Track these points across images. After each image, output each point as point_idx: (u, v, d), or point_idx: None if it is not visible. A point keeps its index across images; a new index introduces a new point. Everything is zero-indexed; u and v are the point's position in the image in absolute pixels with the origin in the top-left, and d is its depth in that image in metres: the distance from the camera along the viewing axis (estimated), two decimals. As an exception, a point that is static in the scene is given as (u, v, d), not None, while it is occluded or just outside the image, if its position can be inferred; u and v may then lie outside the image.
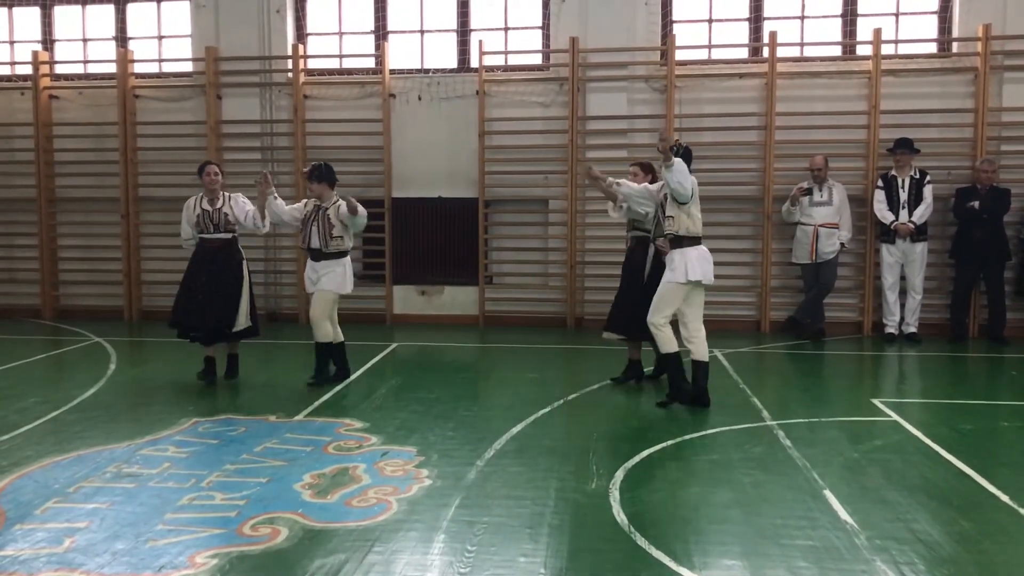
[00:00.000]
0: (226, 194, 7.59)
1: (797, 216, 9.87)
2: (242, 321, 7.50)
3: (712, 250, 10.23)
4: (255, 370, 8.19)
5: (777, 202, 10.23)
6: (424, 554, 4.00)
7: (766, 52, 10.30)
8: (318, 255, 7.43)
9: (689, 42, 10.63)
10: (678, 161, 6.36)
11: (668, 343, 6.67)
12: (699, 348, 6.70)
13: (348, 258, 7.56)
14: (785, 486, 4.94)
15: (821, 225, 9.70)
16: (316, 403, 6.84)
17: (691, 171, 6.57)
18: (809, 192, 9.72)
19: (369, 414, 6.51)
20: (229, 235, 7.52)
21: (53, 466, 5.25)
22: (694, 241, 6.62)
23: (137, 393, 7.03)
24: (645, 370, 7.56)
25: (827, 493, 4.79)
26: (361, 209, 7.39)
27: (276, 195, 7.61)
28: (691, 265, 6.53)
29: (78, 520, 4.38)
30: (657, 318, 6.64)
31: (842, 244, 9.81)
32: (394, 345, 9.57)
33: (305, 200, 7.69)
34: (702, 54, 10.73)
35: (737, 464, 5.33)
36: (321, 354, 7.55)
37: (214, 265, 7.42)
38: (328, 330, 7.50)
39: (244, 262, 7.61)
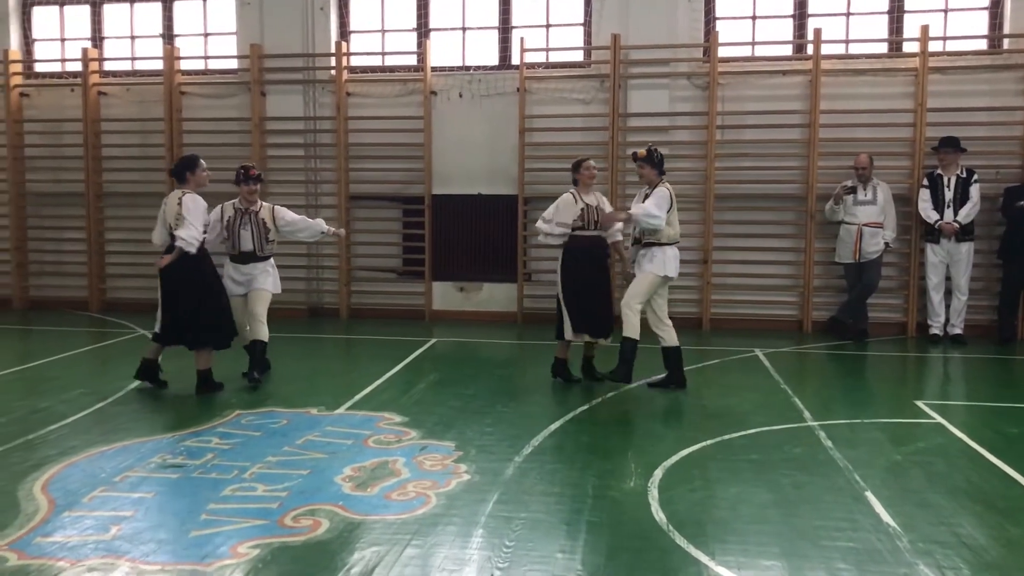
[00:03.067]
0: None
1: (840, 215, 9.75)
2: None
3: (753, 249, 10.42)
4: (296, 364, 8.27)
5: (820, 201, 10.12)
6: (462, 548, 4.03)
7: (810, 49, 10.18)
8: (248, 258, 7.38)
9: (732, 39, 10.56)
10: (635, 214, 7.05)
11: (635, 328, 7.08)
12: (670, 335, 7.25)
13: (272, 258, 7.58)
14: (826, 487, 4.89)
15: (865, 224, 9.56)
16: (356, 397, 6.90)
17: (664, 172, 7.24)
18: (853, 191, 9.60)
19: (408, 408, 6.55)
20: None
21: (99, 456, 5.36)
22: (671, 244, 7.19)
23: (181, 385, 7.14)
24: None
25: (869, 495, 4.74)
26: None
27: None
28: (668, 263, 7.13)
29: (124, 509, 4.47)
30: (633, 303, 7.11)
31: (886, 244, 9.67)
32: (433, 341, 9.61)
33: (222, 204, 7.51)
34: (745, 51, 10.64)
35: (777, 464, 5.29)
36: (263, 351, 7.39)
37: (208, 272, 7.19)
38: (267, 331, 7.41)
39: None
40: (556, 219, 7.32)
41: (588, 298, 7.27)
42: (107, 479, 4.91)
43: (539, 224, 7.51)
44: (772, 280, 10.53)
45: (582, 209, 7.23)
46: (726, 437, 5.84)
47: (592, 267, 7.32)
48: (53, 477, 4.93)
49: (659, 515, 4.43)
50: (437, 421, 6.22)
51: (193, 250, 6.76)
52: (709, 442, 5.72)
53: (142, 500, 4.60)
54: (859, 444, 5.73)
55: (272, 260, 7.55)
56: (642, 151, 7.24)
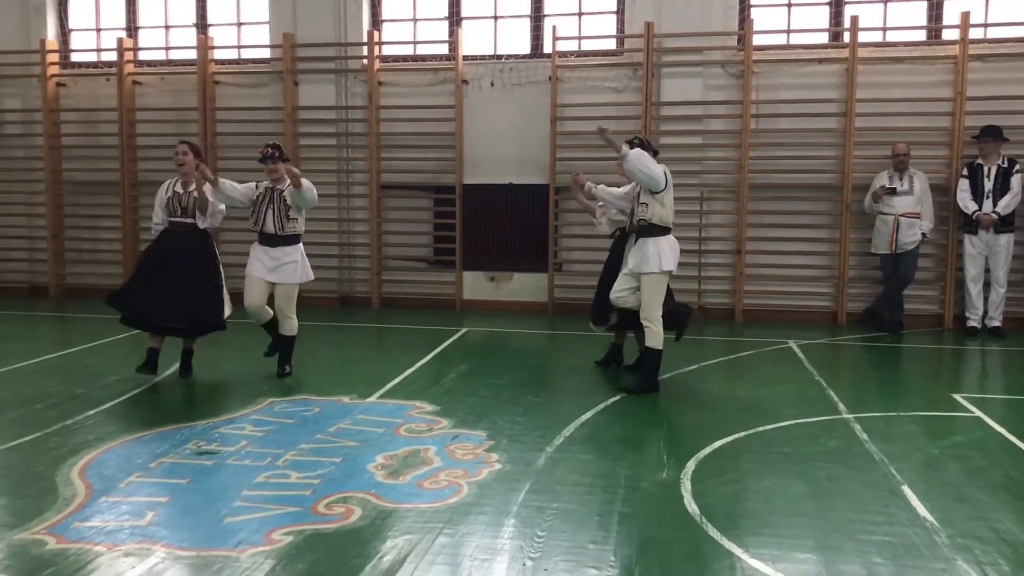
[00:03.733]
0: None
1: (879, 209, 9.61)
2: (215, 316, 7.09)
3: (788, 239, 10.30)
4: (328, 352, 8.31)
5: (856, 191, 9.99)
6: (494, 538, 4.02)
7: (847, 37, 10.03)
8: (273, 240, 7.11)
9: (767, 27, 10.43)
10: (634, 151, 6.42)
11: (659, 340, 6.67)
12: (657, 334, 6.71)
13: (301, 244, 7.28)
14: (861, 481, 4.83)
15: (902, 215, 9.42)
16: (388, 385, 6.92)
17: (657, 160, 6.68)
18: (894, 192, 9.41)
19: (439, 398, 6.56)
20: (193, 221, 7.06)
21: (135, 442, 5.42)
22: (664, 231, 6.67)
23: (215, 372, 7.20)
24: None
25: (905, 489, 4.68)
26: (306, 182, 7.02)
27: (219, 180, 7.09)
28: (664, 256, 6.61)
29: (159, 495, 4.51)
30: (654, 314, 6.64)
31: (923, 234, 9.51)
32: (463, 330, 9.62)
33: (256, 183, 7.30)
34: (780, 39, 10.51)
35: (812, 457, 5.24)
36: (289, 345, 7.32)
37: (181, 251, 6.98)
38: (296, 324, 7.32)
39: (217, 251, 7.23)
40: None
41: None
42: (143, 465, 4.96)
43: None
44: (806, 271, 10.43)
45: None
46: (759, 429, 5.79)
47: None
48: (90, 462, 4.99)
49: (692, 507, 4.40)
50: (468, 410, 6.22)
51: (152, 232, 7.18)
52: (742, 434, 5.67)
53: (177, 486, 4.64)
54: (895, 437, 5.65)
55: (300, 246, 7.26)
56: (633, 138, 6.79)
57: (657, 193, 6.61)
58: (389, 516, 4.25)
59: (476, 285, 11.26)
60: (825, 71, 10.21)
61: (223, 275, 7.18)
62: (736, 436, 5.62)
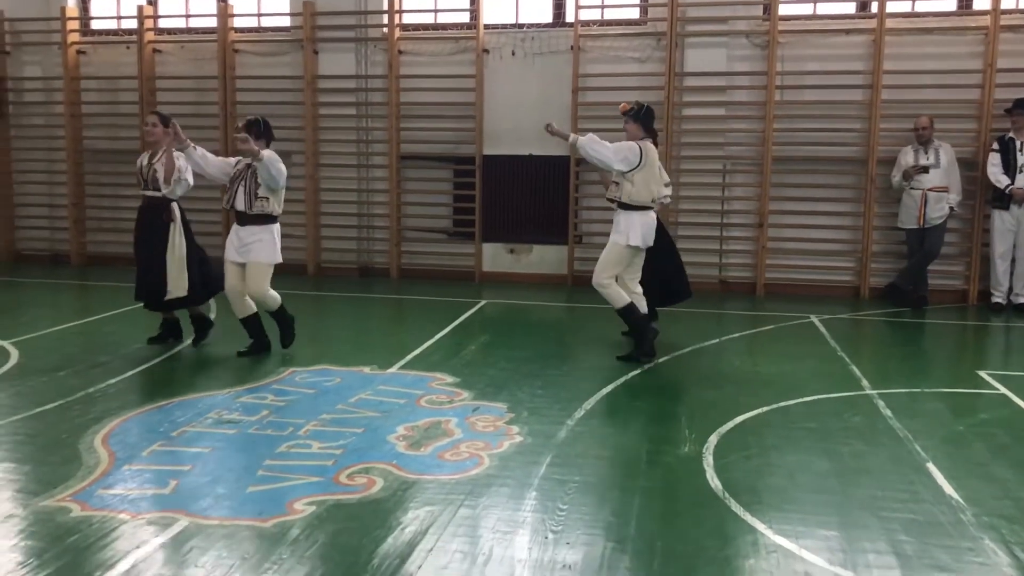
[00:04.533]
0: (167, 150, 6.84)
1: (907, 185, 9.46)
2: (173, 289, 6.87)
3: (811, 213, 10.19)
4: (348, 323, 8.31)
5: (881, 164, 9.85)
6: (515, 510, 4.01)
7: (875, 7, 9.86)
8: (243, 218, 6.76)
9: (793, -4, 10.27)
10: (584, 138, 6.54)
11: (618, 299, 6.75)
12: (639, 303, 6.88)
13: (277, 225, 6.88)
14: (885, 457, 4.79)
15: (930, 189, 9.27)
16: (408, 357, 6.91)
17: (653, 131, 6.80)
18: (926, 170, 9.23)
19: (459, 369, 6.55)
20: (159, 194, 6.85)
21: (157, 410, 5.44)
22: (638, 208, 6.67)
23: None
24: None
25: (930, 466, 4.63)
26: (269, 155, 6.56)
27: (193, 145, 6.80)
28: (633, 230, 6.64)
29: (182, 463, 4.53)
30: (601, 278, 6.75)
31: (951, 208, 9.37)
32: (482, 302, 9.59)
33: (238, 158, 6.96)
34: (807, 9, 10.33)
35: (835, 433, 5.19)
36: (281, 320, 7.03)
37: (143, 226, 6.95)
38: (276, 296, 6.94)
39: (174, 224, 6.88)
40: None
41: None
42: (165, 433, 4.98)
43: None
44: (829, 245, 10.32)
45: None
46: (782, 404, 5.75)
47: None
48: (113, 430, 5.02)
49: (714, 482, 4.38)
50: (488, 383, 6.20)
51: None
52: (765, 409, 5.63)
53: (199, 455, 4.66)
54: (919, 414, 5.60)
55: (273, 227, 6.83)
56: (625, 104, 6.78)
57: (628, 172, 6.60)
58: (411, 487, 4.25)
59: (495, 257, 11.22)
60: (852, 42, 10.04)
61: (176, 249, 6.88)
62: (758, 411, 5.58)
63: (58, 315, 8.19)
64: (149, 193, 6.89)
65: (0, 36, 12.07)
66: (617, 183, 6.79)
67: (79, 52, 11.93)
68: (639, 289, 6.99)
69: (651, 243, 6.81)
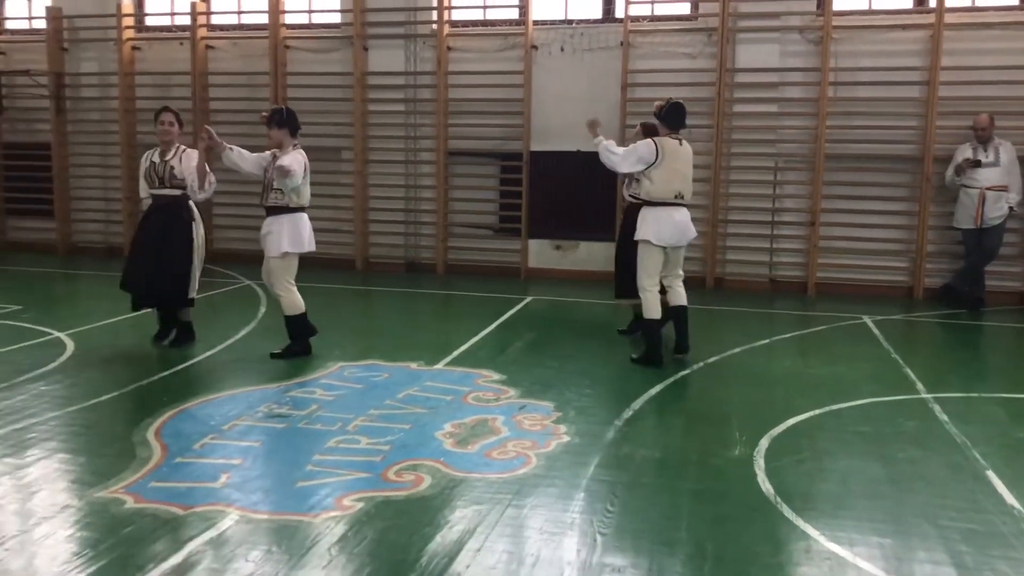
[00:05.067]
0: (180, 147, 6.85)
1: (961, 182, 9.25)
2: (194, 288, 6.89)
3: (864, 211, 10.00)
4: (396, 317, 8.34)
5: (937, 163, 9.64)
6: (564, 511, 3.99)
7: (933, 2, 9.64)
8: (267, 210, 6.74)
9: (848, -9, 10.09)
10: (600, 145, 6.67)
11: (650, 308, 6.65)
12: (674, 300, 6.85)
13: (294, 215, 6.66)
14: (942, 464, 4.68)
15: (988, 188, 9.05)
16: (454, 353, 6.92)
17: (675, 127, 6.66)
18: (978, 164, 9.04)
19: (506, 367, 6.53)
20: (178, 192, 6.76)
21: (208, 403, 5.50)
22: (657, 204, 6.59)
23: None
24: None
25: (989, 474, 4.51)
26: (289, 168, 6.42)
27: (231, 146, 6.73)
28: (647, 227, 6.58)
29: (232, 457, 4.57)
30: (642, 280, 6.68)
31: (1011, 208, 9.13)
32: (528, 299, 9.57)
33: (271, 151, 6.79)
34: (862, 4, 10.15)
35: (889, 438, 5.09)
36: (292, 328, 6.78)
37: (159, 224, 6.75)
38: (296, 301, 6.72)
39: (195, 223, 6.86)
40: None
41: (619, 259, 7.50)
42: (216, 427, 5.03)
43: None
44: (883, 244, 10.13)
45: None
46: (834, 407, 5.65)
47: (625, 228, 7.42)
48: (165, 423, 5.08)
49: (765, 485, 4.31)
50: (535, 380, 6.18)
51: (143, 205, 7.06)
52: (817, 412, 5.54)
53: (250, 449, 4.70)
54: (977, 420, 5.46)
55: (285, 218, 6.65)
56: (658, 103, 6.76)
57: (646, 169, 6.58)
58: (458, 485, 4.24)
59: (542, 253, 11.19)
60: (908, 37, 9.83)
61: (200, 253, 6.90)
62: (810, 414, 5.49)
63: (112, 307, 8.31)
64: (165, 191, 6.75)
65: (59, 33, 12.30)
66: (638, 180, 6.78)
67: (134, 48, 12.12)
68: (679, 288, 6.88)
69: (673, 241, 6.63)
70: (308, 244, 6.79)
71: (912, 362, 6.88)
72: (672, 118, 6.67)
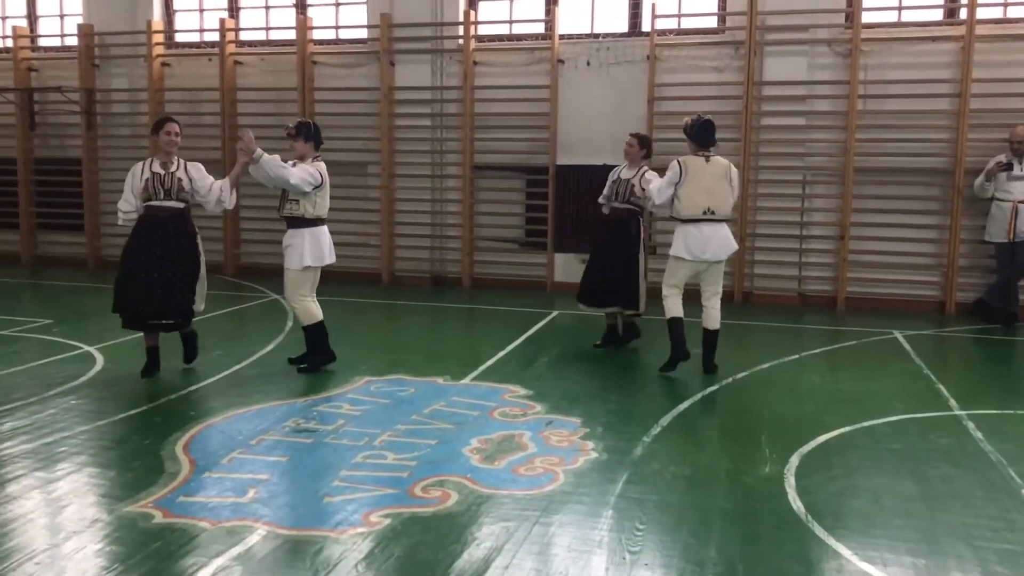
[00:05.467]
0: (180, 160, 6.58)
1: (991, 192, 9.15)
2: (199, 304, 6.67)
3: (894, 225, 9.90)
4: (421, 332, 8.34)
5: (968, 175, 9.53)
6: (592, 529, 3.95)
7: (964, 13, 9.56)
8: (286, 222, 6.72)
9: (877, 3, 10.00)
10: (650, 187, 6.93)
11: (670, 310, 6.84)
12: (707, 321, 6.90)
13: (314, 228, 6.66)
14: (977, 482, 4.60)
15: (1021, 201, 8.93)
16: (481, 368, 6.90)
17: (704, 143, 6.76)
18: (1009, 167, 8.95)
19: (532, 382, 6.51)
20: (182, 204, 6.49)
21: (236, 418, 5.52)
22: (686, 221, 6.69)
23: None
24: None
25: (1026, 493, 4.43)
26: (267, 157, 6.36)
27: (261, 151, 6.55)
28: (677, 241, 6.73)
29: (260, 472, 4.58)
30: (664, 287, 6.92)
31: (1044, 222, 9.01)
32: (554, 313, 9.54)
33: (293, 161, 6.71)
34: (891, 16, 10.07)
35: (922, 455, 5.01)
36: (310, 338, 6.77)
37: (166, 238, 6.40)
38: (310, 310, 6.71)
39: (198, 235, 6.64)
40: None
41: (595, 267, 7.61)
42: (244, 441, 5.04)
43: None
44: (913, 258, 10.02)
45: (613, 182, 7.64)
46: (866, 424, 5.57)
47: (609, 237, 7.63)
48: (193, 438, 5.10)
49: (796, 504, 4.25)
50: (562, 396, 6.15)
51: (120, 222, 6.45)
52: (848, 428, 5.46)
53: (277, 464, 4.70)
54: (1012, 437, 5.36)
55: (305, 231, 6.63)
56: (687, 120, 6.83)
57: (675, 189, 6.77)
58: (485, 502, 4.22)
59: (568, 267, 11.15)
60: (939, 49, 9.75)
61: (203, 263, 6.72)
62: (841, 431, 5.42)
63: (141, 321, 8.39)
64: (171, 204, 6.40)
65: (90, 50, 12.47)
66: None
67: (163, 64, 12.26)
68: (714, 311, 6.81)
69: (706, 256, 6.65)
70: (329, 256, 6.80)
71: (945, 378, 6.79)
72: (701, 135, 6.69)
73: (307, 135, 6.73)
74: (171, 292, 6.42)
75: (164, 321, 6.50)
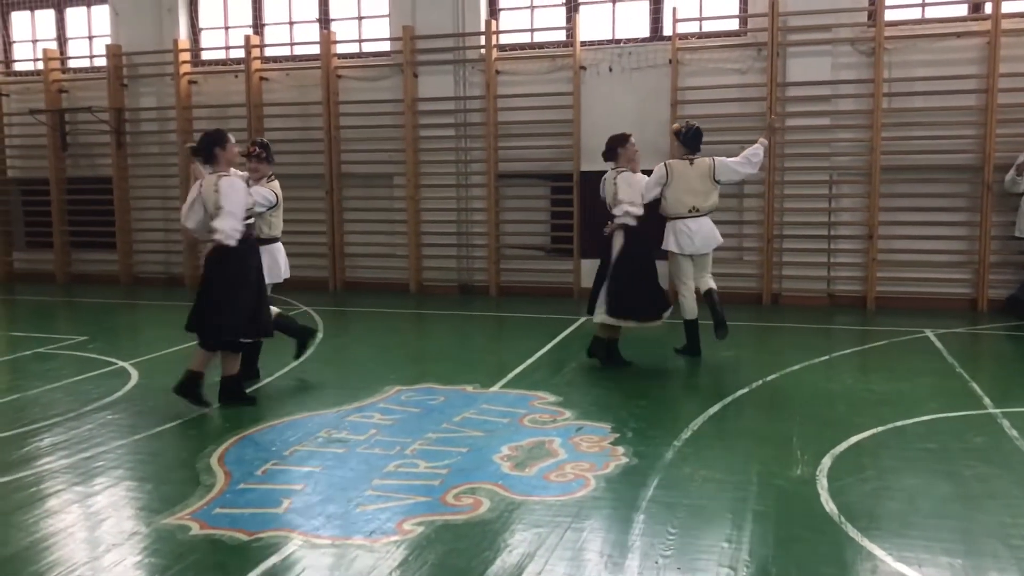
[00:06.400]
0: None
1: (1022, 186, 9.05)
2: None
3: (923, 223, 9.82)
4: (450, 340, 8.38)
5: (998, 171, 9.44)
6: (624, 533, 3.96)
7: (989, 8, 9.47)
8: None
9: (900, 1, 9.93)
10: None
11: (688, 310, 7.41)
12: (685, 307, 7.46)
13: (271, 247, 6.66)
14: (1014, 481, 4.55)
15: (1051, 195, 8.85)
16: (509, 375, 6.93)
17: (693, 149, 7.31)
18: None
19: (561, 388, 6.52)
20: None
21: (269, 429, 5.58)
22: (674, 218, 7.30)
23: (342, 360, 7.36)
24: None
25: (1064, 492, 4.38)
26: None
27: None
28: (669, 238, 7.34)
29: (294, 482, 4.63)
30: (676, 286, 7.51)
31: (1076, 216, 8.91)
32: (582, 319, 9.52)
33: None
34: (915, 13, 10.00)
35: (957, 455, 4.96)
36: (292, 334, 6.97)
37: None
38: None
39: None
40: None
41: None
42: (278, 452, 5.10)
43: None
44: (943, 256, 9.93)
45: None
46: (898, 424, 5.53)
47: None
48: (228, 450, 5.16)
49: (829, 506, 4.23)
50: (592, 402, 6.16)
51: (233, 243, 5.88)
52: (880, 429, 5.43)
53: (311, 474, 4.75)
54: (1049, 435, 5.31)
55: (267, 248, 6.56)
56: (676, 125, 7.54)
57: (663, 190, 7.25)
58: (517, 508, 4.24)
59: (594, 273, 11.12)
60: (964, 45, 9.67)
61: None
62: (873, 431, 5.38)
63: (174, 336, 8.48)
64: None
65: (118, 70, 12.67)
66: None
67: (191, 82, 12.43)
68: (709, 281, 7.37)
69: (694, 250, 7.26)
70: (284, 272, 6.92)
71: (978, 376, 6.72)
72: (693, 141, 7.28)
73: (270, 156, 6.79)
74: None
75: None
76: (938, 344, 7.92)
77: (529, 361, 7.43)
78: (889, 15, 9.71)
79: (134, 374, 7.13)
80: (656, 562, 3.67)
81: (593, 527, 4.03)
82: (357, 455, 5.05)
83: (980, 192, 9.61)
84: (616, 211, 7.03)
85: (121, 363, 7.52)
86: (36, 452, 5.20)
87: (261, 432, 5.52)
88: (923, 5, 9.98)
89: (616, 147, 7.15)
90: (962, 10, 9.93)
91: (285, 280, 7.04)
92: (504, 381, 6.76)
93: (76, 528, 4.11)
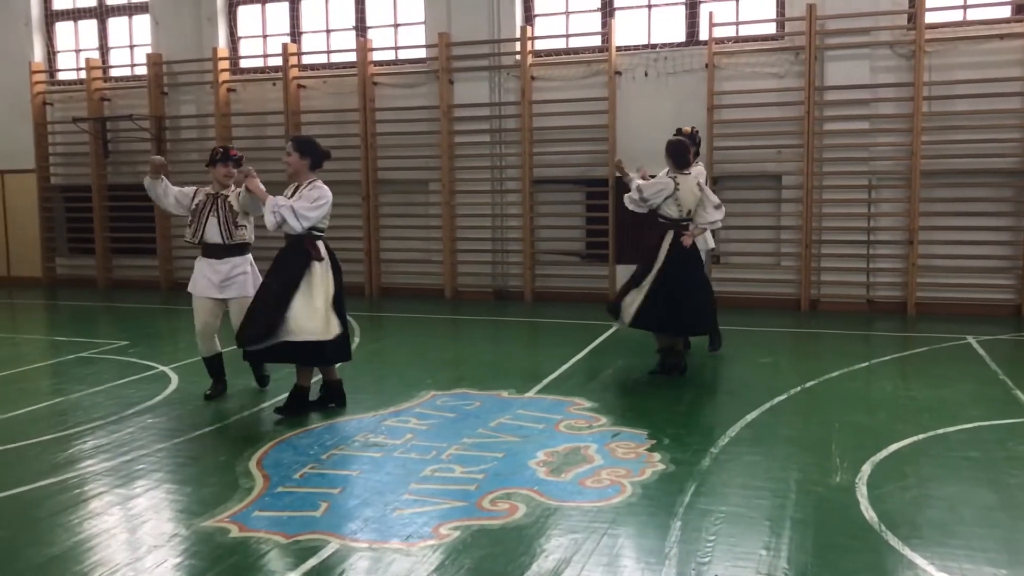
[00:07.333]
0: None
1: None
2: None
3: (965, 228, 9.70)
4: (485, 346, 8.39)
5: (1042, 175, 9.29)
6: (661, 540, 3.94)
7: (1032, 9, 9.34)
8: (219, 251, 6.38)
9: (941, 3, 9.81)
10: (626, 196, 7.34)
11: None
12: None
13: (250, 254, 6.58)
14: (1060, 491, 4.47)
15: (1097, 200, 8.68)
16: (545, 381, 6.92)
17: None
18: None
19: (597, 394, 6.50)
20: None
21: (306, 433, 5.62)
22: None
23: (379, 365, 7.39)
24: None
25: (1113, 502, 4.29)
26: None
27: (162, 177, 6.63)
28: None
29: (332, 486, 4.66)
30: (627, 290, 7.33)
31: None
32: (617, 325, 9.47)
33: (196, 187, 6.64)
34: (956, 15, 9.87)
35: (1000, 463, 4.88)
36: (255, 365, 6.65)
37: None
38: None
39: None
40: None
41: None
42: (315, 456, 5.14)
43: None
44: (986, 261, 9.77)
45: None
46: (940, 431, 5.45)
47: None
48: (266, 453, 5.21)
49: (869, 513, 4.18)
50: (627, 408, 6.14)
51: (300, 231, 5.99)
52: (921, 436, 5.35)
53: (348, 478, 4.78)
54: (1096, 444, 5.20)
55: (250, 256, 6.56)
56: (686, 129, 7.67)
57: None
58: (553, 514, 4.23)
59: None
60: (1007, 47, 9.53)
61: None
62: (914, 439, 5.31)
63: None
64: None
65: (159, 78, 12.87)
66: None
67: (229, 90, 12.59)
68: None
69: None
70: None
71: (1022, 384, 6.59)
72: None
73: (236, 162, 6.57)
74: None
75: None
76: (980, 351, 7.79)
77: (564, 367, 7.42)
78: (929, 17, 9.60)
79: (174, 378, 7.23)
80: (693, 569, 3.64)
81: (629, 533, 4.02)
82: (394, 459, 5.08)
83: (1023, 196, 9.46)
84: (709, 217, 7.13)
85: (161, 367, 7.62)
86: (79, 455, 5.28)
87: (299, 436, 5.57)
88: (965, 7, 9.85)
89: (687, 153, 7.13)
90: (1005, 11, 9.78)
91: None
92: (539, 387, 6.75)
93: (118, 530, 4.17)
